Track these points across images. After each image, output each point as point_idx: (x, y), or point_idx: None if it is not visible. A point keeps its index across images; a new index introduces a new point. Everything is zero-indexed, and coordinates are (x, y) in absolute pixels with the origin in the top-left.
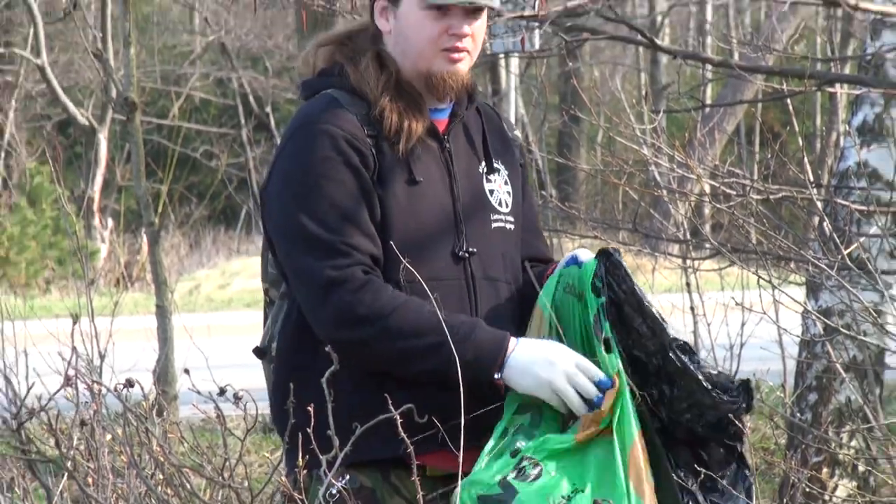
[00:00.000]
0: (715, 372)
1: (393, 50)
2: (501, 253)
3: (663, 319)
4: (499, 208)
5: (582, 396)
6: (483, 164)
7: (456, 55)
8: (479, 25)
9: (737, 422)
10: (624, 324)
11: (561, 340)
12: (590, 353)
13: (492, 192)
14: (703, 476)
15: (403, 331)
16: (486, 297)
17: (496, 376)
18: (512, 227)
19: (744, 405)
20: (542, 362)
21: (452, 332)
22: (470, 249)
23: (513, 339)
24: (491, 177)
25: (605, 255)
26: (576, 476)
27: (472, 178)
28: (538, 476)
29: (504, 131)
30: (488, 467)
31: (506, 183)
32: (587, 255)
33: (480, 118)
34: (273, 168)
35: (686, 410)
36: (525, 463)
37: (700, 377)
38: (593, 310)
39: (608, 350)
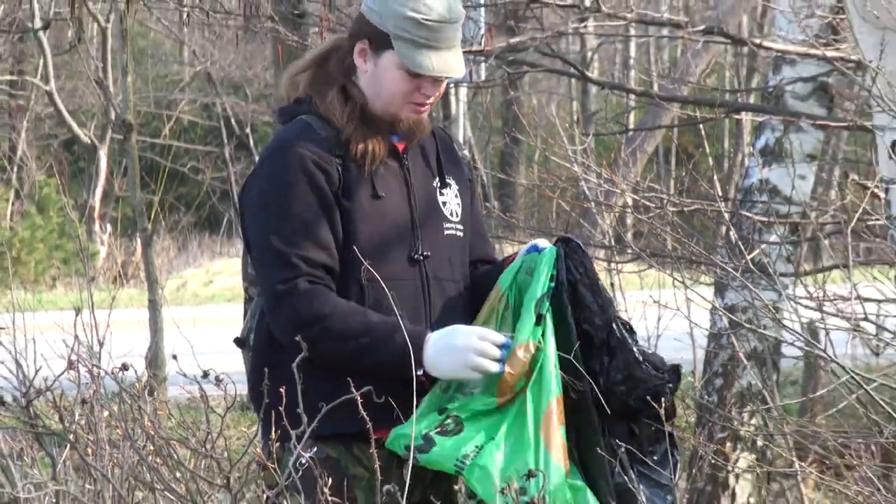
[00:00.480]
0: (650, 351)
1: (366, 88)
2: (450, 257)
3: (612, 299)
4: (450, 218)
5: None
6: (437, 179)
7: (422, 108)
8: (443, 85)
9: (664, 401)
10: (577, 301)
11: (516, 317)
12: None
13: (444, 203)
14: (634, 448)
15: (340, 333)
16: (438, 295)
17: (419, 373)
18: (461, 234)
19: (670, 385)
20: (449, 349)
21: (374, 338)
22: (424, 253)
23: (427, 337)
24: (444, 191)
25: (564, 241)
26: (492, 430)
27: (427, 191)
28: (458, 432)
29: (455, 151)
30: (419, 421)
31: (456, 196)
32: (546, 244)
33: (435, 140)
34: (251, 182)
35: (621, 382)
36: (449, 420)
37: (635, 351)
38: (544, 289)
39: (538, 323)
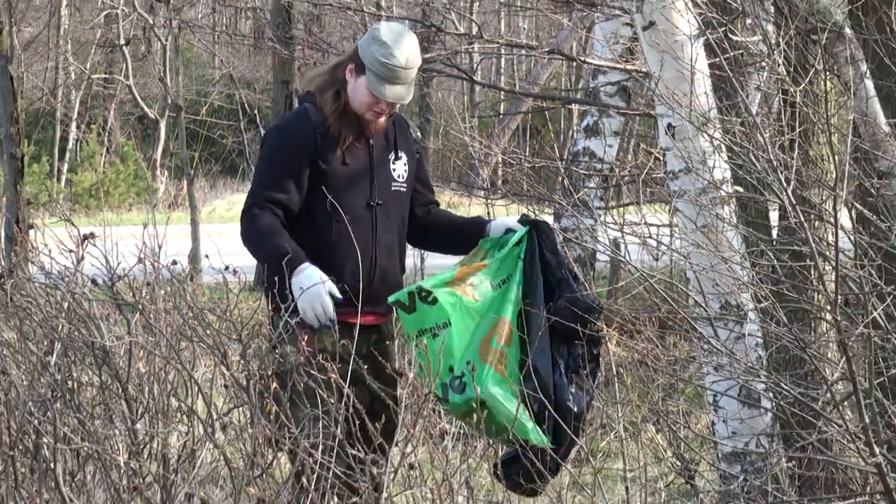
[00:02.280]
0: (586, 293)
1: (349, 94)
2: (395, 205)
3: (566, 259)
4: (398, 179)
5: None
6: (392, 153)
7: (380, 116)
8: (396, 105)
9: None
10: (543, 259)
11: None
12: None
13: (394, 169)
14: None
15: (258, 244)
16: (383, 231)
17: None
18: (404, 190)
19: (596, 313)
20: (303, 286)
21: (272, 254)
22: (378, 201)
23: (299, 268)
24: (396, 162)
25: (534, 224)
26: (453, 316)
27: (384, 162)
28: (432, 301)
29: (407, 133)
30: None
31: (405, 165)
32: (516, 225)
33: (394, 126)
34: (262, 142)
35: (566, 309)
36: (424, 293)
37: (575, 288)
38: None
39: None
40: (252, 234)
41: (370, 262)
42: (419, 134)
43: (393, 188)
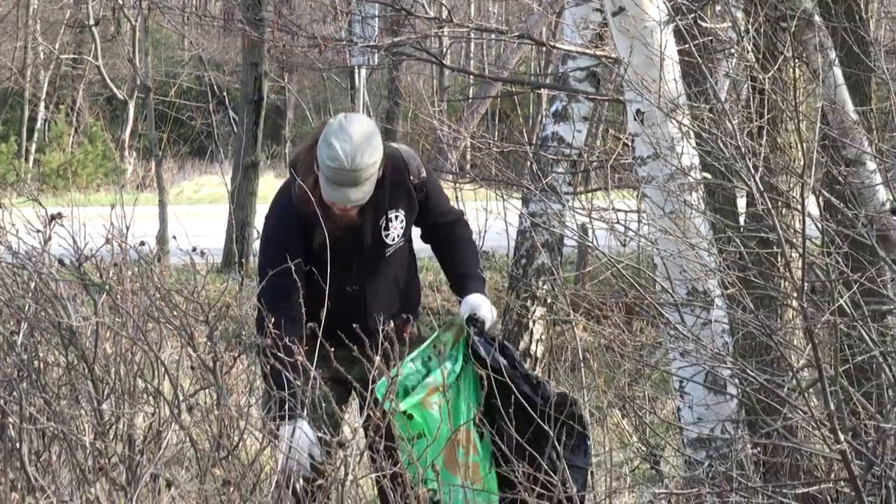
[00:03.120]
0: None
1: None
2: (391, 264)
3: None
4: (390, 243)
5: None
6: (383, 218)
7: (340, 212)
8: (350, 205)
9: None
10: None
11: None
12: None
13: (387, 235)
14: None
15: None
16: (374, 300)
17: None
18: (401, 244)
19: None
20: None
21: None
22: (354, 287)
23: (285, 428)
24: (389, 226)
25: (473, 322)
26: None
27: (375, 234)
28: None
29: (403, 178)
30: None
31: (401, 222)
32: (479, 313)
33: (388, 179)
34: (263, 226)
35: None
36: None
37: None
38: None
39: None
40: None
41: (366, 328)
42: (423, 172)
43: (387, 253)
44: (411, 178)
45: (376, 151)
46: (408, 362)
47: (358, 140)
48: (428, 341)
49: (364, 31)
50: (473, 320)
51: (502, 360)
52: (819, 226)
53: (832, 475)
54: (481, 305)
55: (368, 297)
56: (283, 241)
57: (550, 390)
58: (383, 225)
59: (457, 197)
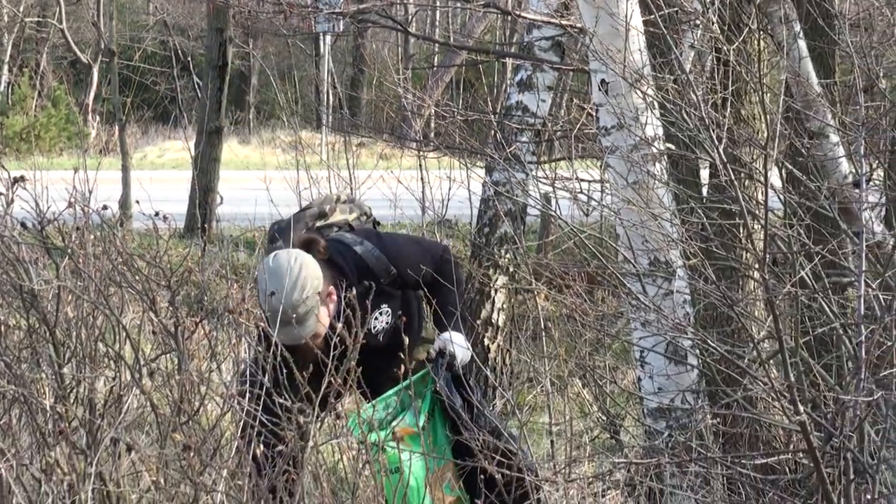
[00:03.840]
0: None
1: None
2: (384, 345)
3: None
4: (379, 337)
5: None
6: (370, 326)
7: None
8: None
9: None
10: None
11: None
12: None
13: (376, 333)
14: None
15: None
16: (374, 379)
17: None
18: (389, 325)
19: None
20: None
21: None
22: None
23: None
24: (376, 325)
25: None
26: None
27: (367, 341)
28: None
29: (381, 286)
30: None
31: (388, 314)
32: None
33: (363, 282)
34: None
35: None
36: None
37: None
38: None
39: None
40: None
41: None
42: (392, 269)
43: (382, 343)
44: (382, 280)
45: (308, 285)
46: (370, 407)
47: (290, 278)
48: (392, 392)
49: None
50: (441, 353)
51: (457, 400)
52: (781, 198)
53: (791, 446)
54: (452, 341)
55: (374, 386)
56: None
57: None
58: (373, 329)
59: (420, 165)
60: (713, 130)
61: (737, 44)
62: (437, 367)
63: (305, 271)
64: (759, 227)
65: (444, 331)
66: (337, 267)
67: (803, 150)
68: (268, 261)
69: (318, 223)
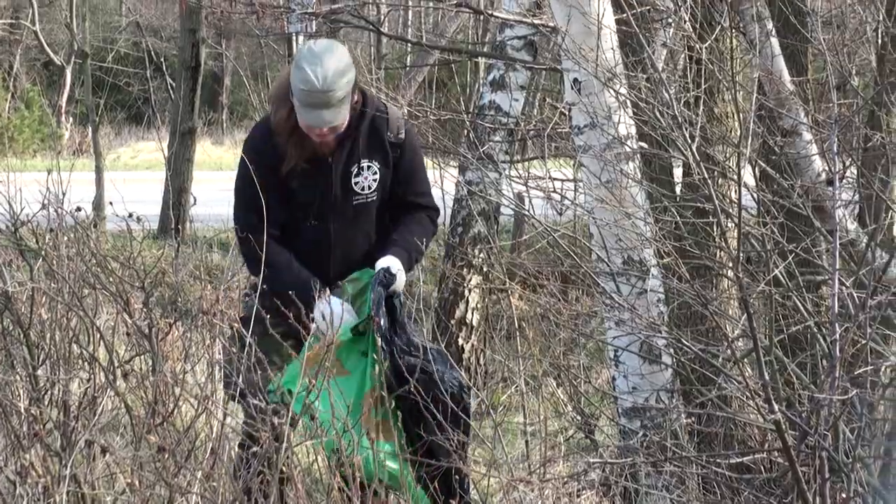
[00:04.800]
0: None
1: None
2: (357, 218)
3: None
4: (360, 192)
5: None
6: (355, 166)
7: (321, 139)
8: (328, 128)
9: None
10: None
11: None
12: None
13: (357, 183)
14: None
15: (268, 272)
16: (339, 246)
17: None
18: (371, 200)
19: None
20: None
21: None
22: (333, 223)
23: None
24: (359, 175)
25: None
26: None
27: (345, 177)
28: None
29: (381, 137)
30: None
31: (374, 174)
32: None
33: (362, 133)
34: (241, 157)
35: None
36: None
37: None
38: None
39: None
40: (266, 267)
41: (327, 279)
42: (401, 133)
43: (355, 202)
44: (388, 133)
45: (348, 72)
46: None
47: (328, 62)
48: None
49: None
50: (385, 270)
51: (384, 323)
52: (755, 196)
53: (766, 445)
54: (393, 265)
55: (333, 241)
56: (263, 170)
57: (421, 363)
58: (354, 171)
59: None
60: (686, 129)
61: (709, 42)
62: (377, 281)
63: (348, 59)
64: (733, 225)
65: (391, 254)
66: (362, 91)
67: (776, 149)
68: (310, 45)
69: None
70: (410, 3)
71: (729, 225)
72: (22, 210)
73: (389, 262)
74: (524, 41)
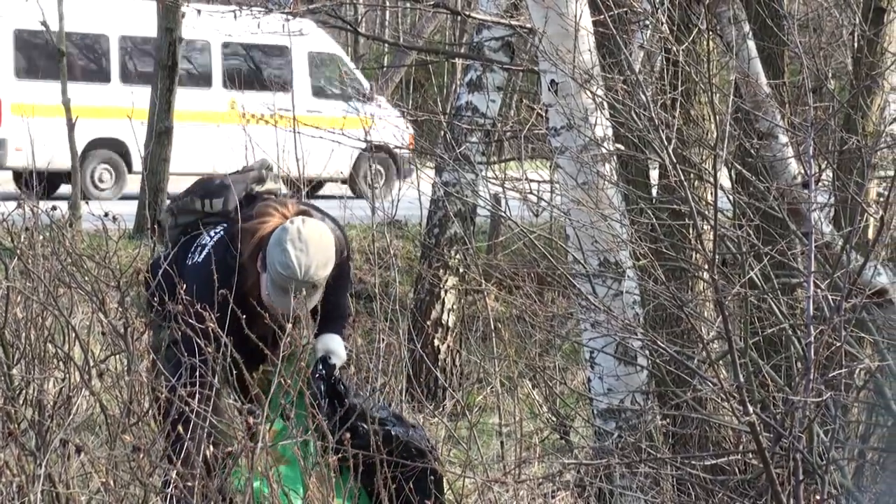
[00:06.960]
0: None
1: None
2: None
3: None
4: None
5: None
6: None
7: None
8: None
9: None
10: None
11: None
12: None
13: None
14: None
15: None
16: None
17: None
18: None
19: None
20: None
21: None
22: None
23: None
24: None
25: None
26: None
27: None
28: None
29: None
30: None
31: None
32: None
33: None
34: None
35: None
36: None
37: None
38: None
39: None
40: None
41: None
42: (344, 253)
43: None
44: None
45: (330, 263)
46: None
47: (313, 250)
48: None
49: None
50: (325, 361)
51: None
52: (731, 198)
53: (740, 447)
54: (333, 349)
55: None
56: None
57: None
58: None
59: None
60: (663, 131)
61: (686, 44)
62: (317, 377)
63: (331, 249)
64: (709, 227)
65: (329, 332)
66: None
67: (752, 151)
68: (298, 225)
69: (256, 188)
70: (388, 3)
71: (705, 227)
72: None
73: (326, 346)
74: (501, 42)
